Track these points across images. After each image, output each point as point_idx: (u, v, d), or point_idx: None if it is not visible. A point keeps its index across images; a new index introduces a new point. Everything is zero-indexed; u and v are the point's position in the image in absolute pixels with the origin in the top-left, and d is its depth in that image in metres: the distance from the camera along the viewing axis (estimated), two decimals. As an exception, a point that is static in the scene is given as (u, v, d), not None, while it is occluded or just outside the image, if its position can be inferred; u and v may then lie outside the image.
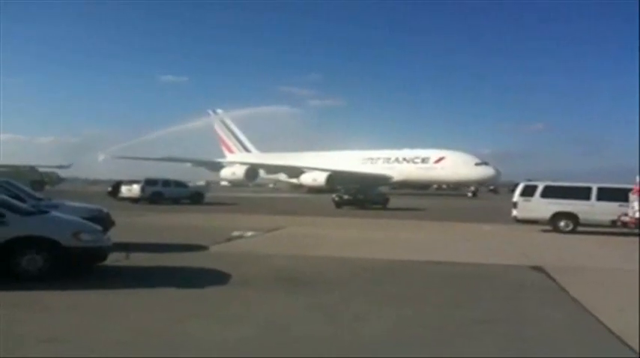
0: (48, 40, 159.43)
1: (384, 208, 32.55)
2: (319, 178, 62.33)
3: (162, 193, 34.37)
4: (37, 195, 14.14)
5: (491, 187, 71.28)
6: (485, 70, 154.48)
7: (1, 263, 8.10)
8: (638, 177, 16.78)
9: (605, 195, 18.23)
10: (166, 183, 35.46)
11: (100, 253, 8.90)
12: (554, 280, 9.46)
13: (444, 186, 71.55)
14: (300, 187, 64.90)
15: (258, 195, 53.62)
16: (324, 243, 14.70)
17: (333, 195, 34.45)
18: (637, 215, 16.64)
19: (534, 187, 19.44)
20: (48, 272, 8.17)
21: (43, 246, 8.26)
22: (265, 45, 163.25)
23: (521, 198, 19.25)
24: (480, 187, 61.83)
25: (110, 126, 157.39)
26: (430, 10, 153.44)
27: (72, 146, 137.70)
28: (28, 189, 14.19)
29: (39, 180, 47.33)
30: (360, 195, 33.19)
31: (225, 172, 72.85)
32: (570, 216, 18.53)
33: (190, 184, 40.17)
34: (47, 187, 49.18)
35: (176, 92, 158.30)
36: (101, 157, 76.16)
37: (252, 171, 70.21)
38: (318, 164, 65.25)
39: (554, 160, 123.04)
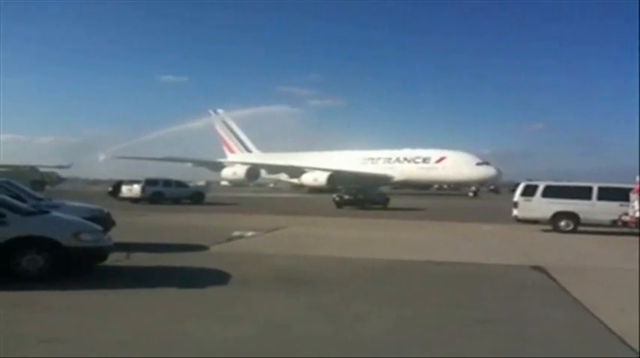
0: (48, 40, 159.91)
1: (385, 208, 32.55)
2: (320, 178, 62.35)
3: (162, 193, 34.38)
4: (38, 195, 14.14)
5: (492, 187, 71.24)
6: (485, 70, 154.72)
7: (1, 263, 8.10)
8: (638, 177, 16.78)
9: (605, 194, 18.22)
10: (167, 183, 35.46)
11: (101, 253, 8.90)
12: (554, 280, 9.45)
13: (445, 186, 71.53)
14: (301, 187, 64.92)
15: (259, 195, 53.64)
16: (324, 242, 14.70)
17: (334, 195, 34.46)
18: (637, 214, 16.63)
19: (535, 187, 19.43)
20: (48, 272, 8.17)
21: (44, 246, 8.26)
22: (265, 45, 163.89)
23: (522, 198, 19.24)
24: (480, 187, 61.81)
25: (110, 126, 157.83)
26: (430, 10, 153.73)
27: (72, 146, 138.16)
28: (28, 189, 14.19)
29: (39, 180, 47.39)
30: (360, 195, 33.19)
31: (227, 172, 72.90)
32: (571, 216, 18.52)
33: (191, 184, 40.21)
34: (47, 187, 49.21)
35: (176, 92, 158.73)
36: (101, 157, 76.35)
37: (254, 171, 70.26)
38: (319, 164, 65.26)
39: (554, 160, 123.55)
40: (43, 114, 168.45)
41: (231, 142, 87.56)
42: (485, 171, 58.84)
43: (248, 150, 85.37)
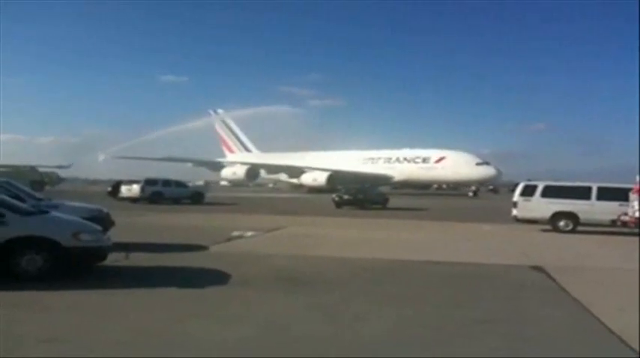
0: (48, 40, 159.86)
1: (384, 208, 32.56)
2: (320, 178, 62.35)
3: (162, 193, 34.38)
4: (37, 195, 14.13)
5: (491, 187, 71.28)
6: (485, 70, 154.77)
7: (0, 263, 8.09)
8: (638, 177, 16.78)
9: (605, 194, 18.22)
10: (166, 183, 35.46)
11: (100, 253, 8.89)
12: (554, 280, 9.45)
13: (445, 186, 71.56)
14: (300, 187, 64.91)
15: (259, 195, 53.63)
16: (324, 242, 14.70)
17: (333, 195, 34.45)
18: (637, 214, 16.63)
19: (534, 187, 19.43)
20: (48, 272, 8.16)
21: (43, 246, 8.25)
22: (265, 45, 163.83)
23: (522, 198, 19.24)
24: (480, 187, 61.84)
25: (110, 126, 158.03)
26: (430, 10, 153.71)
27: (72, 146, 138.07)
28: (28, 189, 14.19)
29: (39, 180, 47.33)
30: (359, 194, 33.19)
31: (226, 172, 72.91)
32: (570, 216, 18.52)
33: (190, 184, 40.20)
34: (47, 187, 49.16)
35: (176, 92, 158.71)
36: (101, 157, 76.25)
37: (253, 171, 70.28)
38: (318, 164, 65.27)
39: (554, 160, 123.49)
40: (43, 114, 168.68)
41: (231, 142, 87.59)
42: (485, 171, 58.85)
43: (248, 150, 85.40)
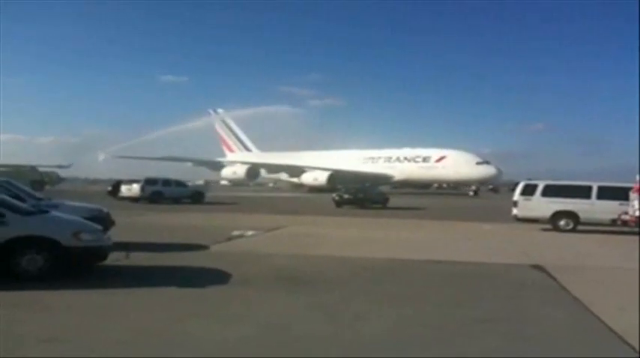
0: (48, 40, 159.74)
1: (384, 207, 32.56)
2: (320, 178, 62.33)
3: (162, 193, 34.36)
4: (37, 194, 14.12)
5: (491, 186, 71.24)
6: (485, 70, 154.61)
7: (1, 263, 8.10)
8: (638, 176, 16.78)
9: (605, 193, 18.21)
10: (166, 182, 35.44)
11: (100, 253, 8.89)
12: (554, 279, 9.45)
13: (445, 186, 71.53)
14: (301, 186, 64.88)
15: (259, 194, 53.62)
16: (324, 242, 14.69)
17: (334, 195, 34.45)
18: (637, 213, 16.63)
19: (535, 186, 19.42)
20: (48, 272, 8.16)
21: (44, 245, 8.25)
22: (265, 45, 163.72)
23: (522, 197, 19.24)
24: (480, 186, 61.81)
25: (110, 126, 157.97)
26: (430, 10, 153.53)
27: (72, 146, 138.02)
28: (28, 188, 14.19)
29: (39, 179, 47.28)
30: (360, 194, 33.20)
31: (227, 171, 72.89)
32: (570, 215, 18.52)
33: (190, 184, 40.19)
34: (47, 187, 49.13)
35: (176, 92, 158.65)
36: (101, 157, 76.16)
37: (253, 170, 70.25)
38: (319, 163, 65.23)
39: (554, 160, 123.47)
40: (43, 114, 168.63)
41: (231, 142, 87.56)
42: (486, 171, 58.81)
43: (248, 150, 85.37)
